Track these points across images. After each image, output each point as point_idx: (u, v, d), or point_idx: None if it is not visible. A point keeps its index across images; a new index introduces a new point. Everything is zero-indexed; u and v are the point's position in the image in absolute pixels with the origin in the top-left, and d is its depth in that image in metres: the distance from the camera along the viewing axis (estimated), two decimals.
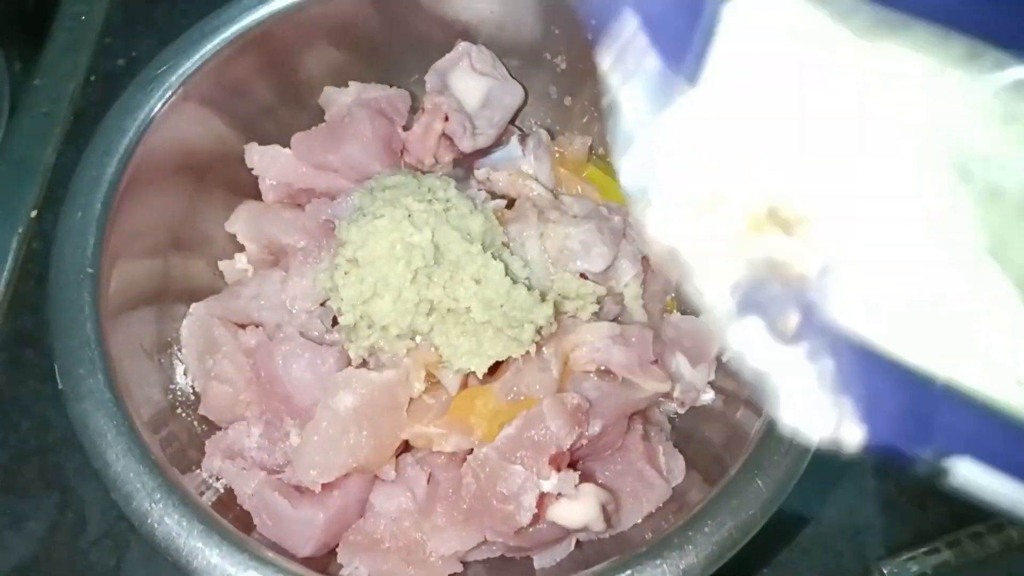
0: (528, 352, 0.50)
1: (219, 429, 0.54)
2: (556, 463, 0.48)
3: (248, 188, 0.62)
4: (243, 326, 0.57)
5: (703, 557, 0.43)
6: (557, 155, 0.66)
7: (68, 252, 0.47)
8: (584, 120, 0.68)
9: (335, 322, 0.54)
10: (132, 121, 0.52)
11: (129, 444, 0.43)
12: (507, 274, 0.50)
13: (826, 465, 0.64)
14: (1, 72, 0.81)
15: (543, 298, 0.51)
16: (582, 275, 0.54)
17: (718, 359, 0.58)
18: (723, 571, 0.45)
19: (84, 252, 0.47)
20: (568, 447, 0.48)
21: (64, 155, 0.76)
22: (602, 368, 0.52)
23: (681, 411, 0.58)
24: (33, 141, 0.76)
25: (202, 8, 0.85)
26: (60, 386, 0.45)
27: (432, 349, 0.51)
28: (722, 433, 0.55)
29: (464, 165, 0.64)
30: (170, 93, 0.53)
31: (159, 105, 0.52)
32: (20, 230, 0.72)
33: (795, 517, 0.64)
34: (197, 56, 0.54)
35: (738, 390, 0.56)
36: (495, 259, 0.50)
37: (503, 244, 0.53)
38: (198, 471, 0.51)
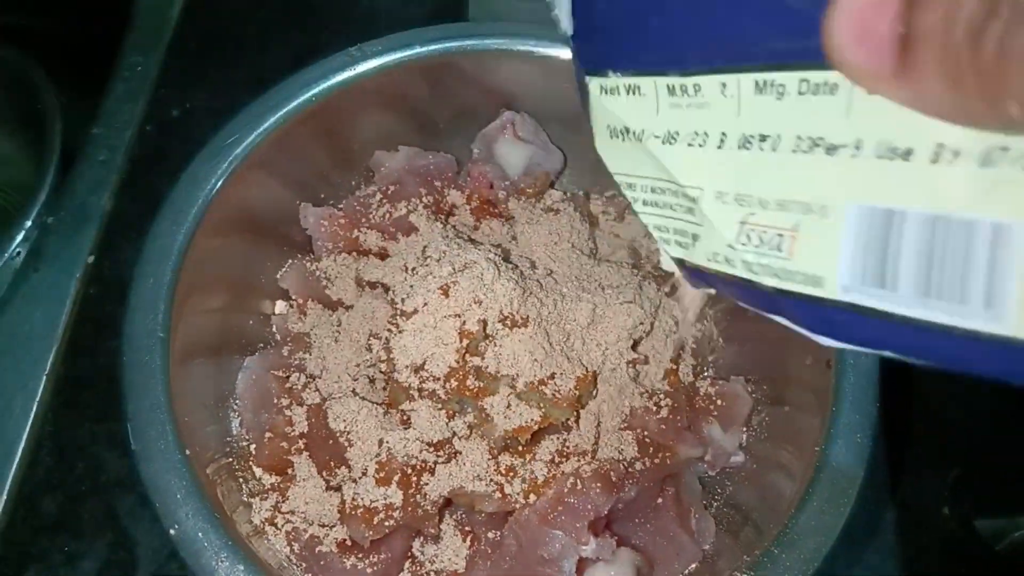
0: (567, 419, 0.52)
1: (271, 481, 0.57)
2: (594, 528, 0.50)
3: (301, 244, 0.66)
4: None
5: None
6: (594, 216, 0.69)
7: (140, 319, 0.50)
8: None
9: (383, 381, 0.57)
10: (199, 191, 0.55)
11: (198, 504, 0.46)
12: (549, 343, 0.53)
13: (851, 523, 0.65)
14: (55, 122, 0.84)
15: (583, 367, 0.53)
16: None
17: (747, 421, 0.60)
18: None
19: (156, 318, 0.51)
20: (606, 512, 0.51)
21: (121, 202, 0.79)
22: (638, 433, 0.55)
23: (712, 472, 0.60)
24: (91, 188, 0.80)
25: (253, 61, 0.90)
26: (133, 447, 0.48)
27: (476, 413, 0.53)
28: (752, 494, 0.57)
29: (505, 227, 0.67)
30: (235, 164, 0.56)
31: (224, 176, 0.55)
32: (77, 275, 0.75)
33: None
34: (261, 128, 0.57)
35: (769, 453, 0.58)
36: (538, 329, 0.53)
37: (545, 314, 0.55)
38: (250, 523, 0.54)
